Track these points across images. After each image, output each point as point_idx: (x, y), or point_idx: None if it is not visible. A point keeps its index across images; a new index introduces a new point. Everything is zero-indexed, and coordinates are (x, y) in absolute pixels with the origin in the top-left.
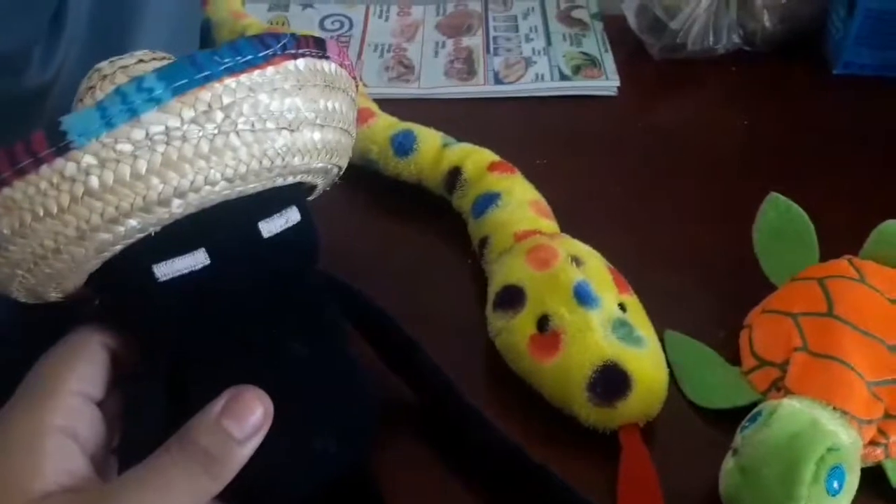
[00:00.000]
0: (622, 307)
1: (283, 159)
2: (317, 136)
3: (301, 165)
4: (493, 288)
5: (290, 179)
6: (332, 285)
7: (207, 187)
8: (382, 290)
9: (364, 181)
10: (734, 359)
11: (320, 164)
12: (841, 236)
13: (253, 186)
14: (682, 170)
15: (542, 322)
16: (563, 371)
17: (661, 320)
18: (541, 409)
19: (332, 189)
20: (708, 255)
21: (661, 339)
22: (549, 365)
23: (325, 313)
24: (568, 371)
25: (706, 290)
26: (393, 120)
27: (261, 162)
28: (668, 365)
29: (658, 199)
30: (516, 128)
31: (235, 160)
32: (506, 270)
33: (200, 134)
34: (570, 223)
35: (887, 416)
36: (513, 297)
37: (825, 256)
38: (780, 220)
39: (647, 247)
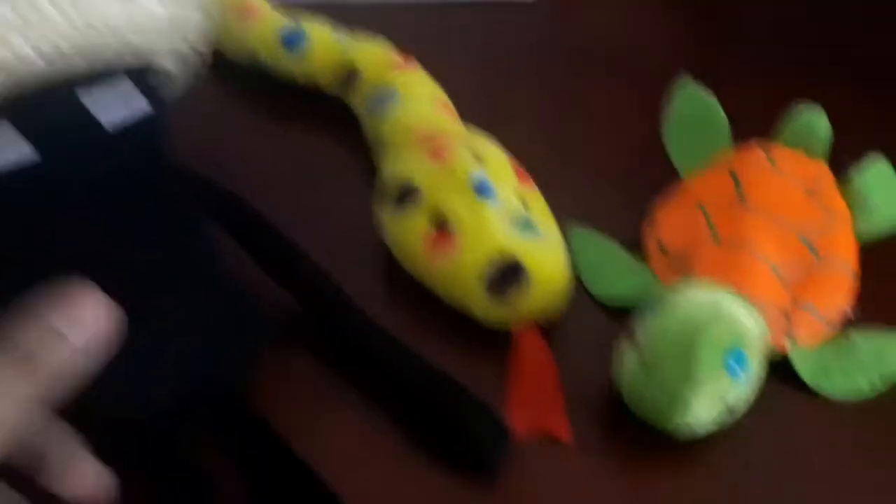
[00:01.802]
0: (523, 201)
1: (116, 35)
2: (159, 10)
3: (142, 45)
4: (386, 184)
5: (133, 63)
6: (202, 187)
7: (20, 66)
8: (268, 196)
9: (252, 81)
10: (641, 254)
11: (167, 46)
12: (754, 123)
13: (83, 67)
14: (596, 72)
15: (437, 217)
16: (458, 267)
17: (567, 217)
18: (437, 311)
19: (214, 87)
20: (620, 154)
21: (566, 236)
22: (444, 262)
23: (187, 217)
24: (463, 266)
25: (615, 187)
26: (280, 15)
27: (85, 36)
28: (573, 262)
29: (571, 100)
30: (427, 34)
31: (53, 33)
32: (399, 165)
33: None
34: (479, 124)
35: (796, 304)
36: (405, 193)
37: (737, 144)
38: (689, 106)
39: (557, 146)
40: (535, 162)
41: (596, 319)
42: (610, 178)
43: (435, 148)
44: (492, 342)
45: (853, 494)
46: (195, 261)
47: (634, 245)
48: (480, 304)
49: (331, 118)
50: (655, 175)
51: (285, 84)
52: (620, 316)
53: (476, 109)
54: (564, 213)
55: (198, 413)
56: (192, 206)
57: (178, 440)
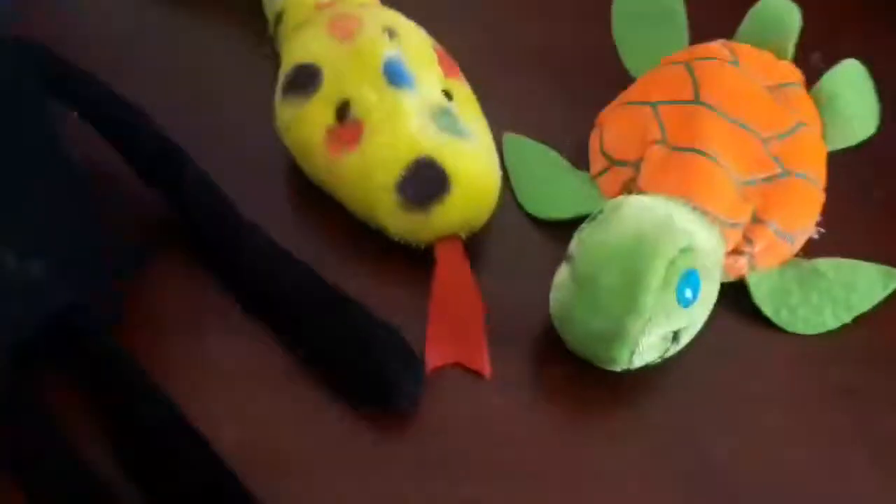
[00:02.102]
0: (447, 94)
1: None
2: None
3: None
4: (283, 69)
5: None
6: (55, 72)
7: None
8: (150, 88)
9: None
10: (584, 165)
11: None
12: (714, 19)
13: None
14: None
15: (343, 109)
16: (365, 168)
17: (503, 124)
18: (343, 223)
19: None
20: (564, 55)
21: (499, 144)
22: (349, 161)
23: (24, 103)
24: (371, 168)
25: (558, 92)
26: None
27: None
28: (505, 171)
29: None
30: None
31: None
32: (300, 45)
33: None
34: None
35: (756, 219)
36: (305, 78)
37: (695, 42)
38: None
39: (495, 43)
40: (469, 59)
41: (528, 238)
42: (553, 80)
43: (343, 26)
44: (406, 259)
45: (809, 439)
46: (43, 161)
47: (579, 156)
48: (391, 215)
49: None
50: (606, 77)
51: None
52: (557, 234)
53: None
54: (499, 116)
55: (50, 348)
56: (41, 96)
57: (25, 380)
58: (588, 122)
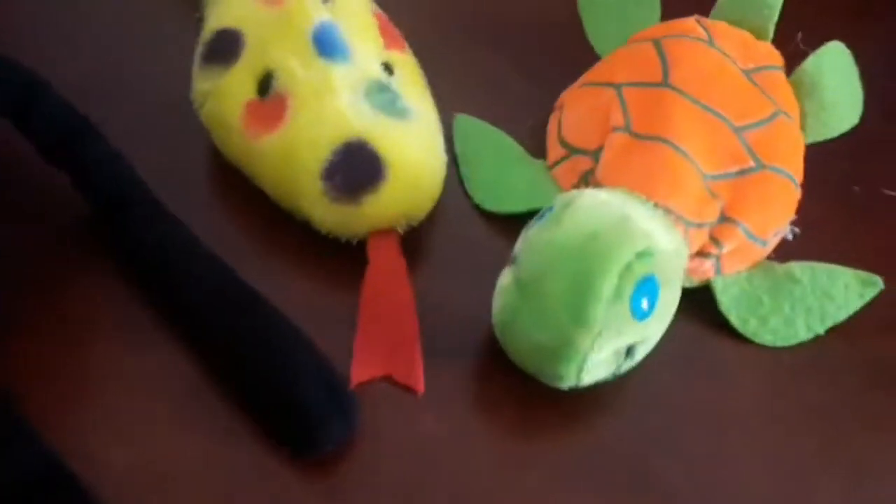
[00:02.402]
0: (387, 68)
1: None
2: None
3: None
4: (203, 35)
5: None
6: None
7: None
8: (53, 46)
9: None
10: (541, 153)
11: None
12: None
13: None
14: None
15: (265, 81)
16: (288, 151)
17: (453, 103)
18: (264, 210)
19: None
20: (524, 27)
21: (449, 127)
22: (269, 142)
23: None
24: (295, 150)
25: (516, 68)
26: None
27: None
28: (454, 159)
29: None
30: None
31: None
32: (221, 8)
33: None
34: None
35: (724, 218)
36: (225, 45)
37: (668, 18)
38: None
39: (447, 14)
40: (417, 28)
41: (476, 234)
42: (511, 55)
43: None
44: (333, 255)
45: (774, 465)
46: None
47: (536, 141)
48: (317, 204)
49: None
50: (570, 54)
51: None
52: (507, 230)
53: None
54: (449, 94)
55: None
56: None
57: None
58: (548, 104)
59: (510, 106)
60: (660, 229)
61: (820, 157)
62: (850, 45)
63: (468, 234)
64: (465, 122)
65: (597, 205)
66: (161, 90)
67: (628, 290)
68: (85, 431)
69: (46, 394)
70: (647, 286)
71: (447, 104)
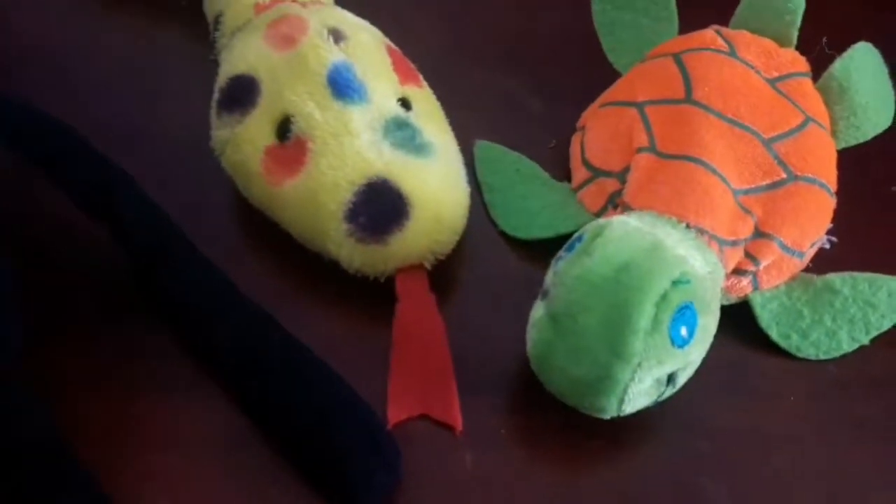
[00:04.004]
0: (404, 103)
1: None
2: None
3: None
4: (219, 82)
5: None
6: None
7: None
8: (81, 96)
9: None
10: (565, 174)
11: None
12: (707, 3)
13: None
14: None
15: (284, 125)
16: (310, 195)
17: (473, 130)
18: (293, 252)
19: None
20: (539, 47)
21: (470, 154)
22: (292, 188)
23: None
24: (317, 194)
25: (534, 88)
26: None
27: None
28: (478, 186)
29: None
30: None
31: None
32: (236, 55)
33: None
34: (363, 5)
35: (758, 233)
36: (241, 92)
37: (688, 30)
38: None
39: (462, 40)
40: (433, 52)
41: (505, 263)
42: (529, 75)
43: (283, 31)
44: (364, 294)
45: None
46: None
47: (559, 163)
48: (343, 246)
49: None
50: (589, 74)
51: None
52: (537, 256)
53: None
54: (468, 119)
55: None
56: None
57: None
58: (569, 124)
59: (530, 128)
60: (694, 252)
61: (854, 161)
62: (877, 44)
63: (496, 263)
64: (486, 149)
65: (627, 233)
66: (185, 133)
67: (666, 320)
68: (130, 484)
69: (91, 447)
70: (686, 314)
71: (466, 130)
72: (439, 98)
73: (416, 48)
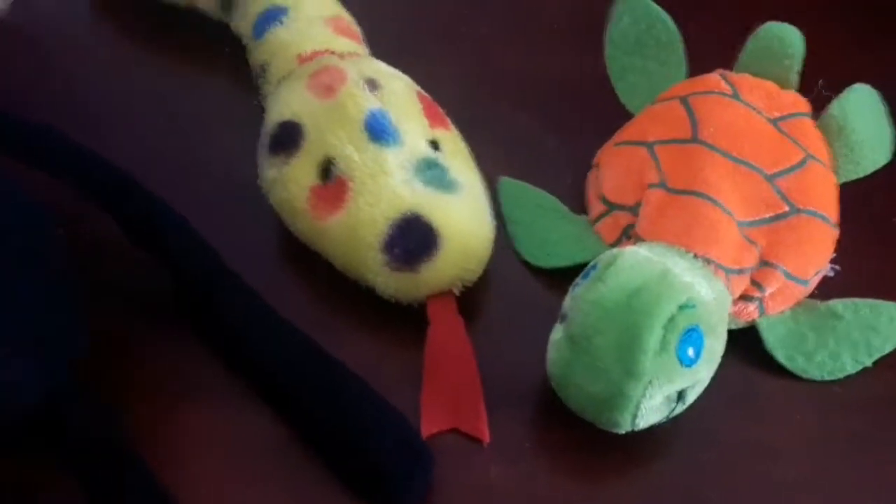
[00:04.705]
0: (434, 144)
1: None
2: None
3: None
4: (266, 127)
5: None
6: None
7: None
8: (134, 139)
9: (121, 6)
10: (581, 208)
11: None
12: (713, 49)
13: None
14: None
15: (326, 167)
16: (350, 229)
17: (496, 166)
18: (332, 280)
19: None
20: (555, 85)
21: (494, 189)
22: (334, 223)
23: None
24: (356, 229)
25: (552, 127)
26: None
27: None
28: (502, 219)
29: (504, 23)
30: None
31: None
32: (281, 102)
33: None
34: (389, 53)
35: (764, 263)
36: (287, 137)
37: (695, 74)
38: (638, 26)
39: (485, 80)
40: (456, 100)
41: (527, 289)
42: (548, 118)
43: (323, 80)
44: (399, 318)
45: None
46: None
47: (576, 199)
48: (380, 274)
49: (216, 51)
50: (602, 114)
51: (163, 9)
52: (557, 283)
53: (388, 34)
54: (491, 155)
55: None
56: None
57: None
58: (584, 161)
59: (548, 165)
60: (701, 280)
61: (857, 193)
62: (875, 84)
63: (520, 290)
64: (509, 185)
65: (638, 262)
66: (231, 170)
67: (674, 341)
68: (183, 494)
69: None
70: (692, 336)
71: (490, 167)
72: (466, 138)
73: (442, 86)
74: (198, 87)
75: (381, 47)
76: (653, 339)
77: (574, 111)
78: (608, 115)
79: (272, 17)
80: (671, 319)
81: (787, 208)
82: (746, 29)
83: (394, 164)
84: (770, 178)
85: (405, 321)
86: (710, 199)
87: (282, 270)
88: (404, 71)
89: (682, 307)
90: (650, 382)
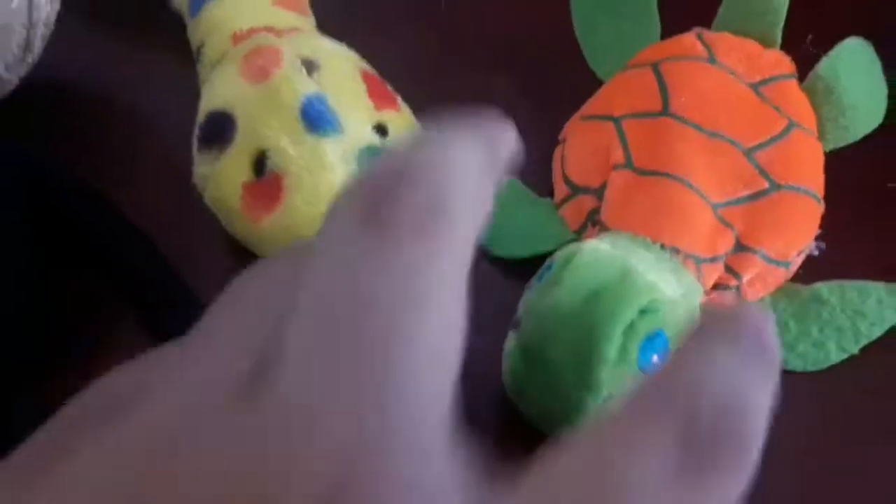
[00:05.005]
0: (381, 129)
1: None
2: None
3: None
4: (198, 118)
5: None
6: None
7: None
8: (64, 135)
9: None
10: (549, 190)
11: None
12: (690, 3)
13: None
14: None
15: (260, 161)
16: (287, 230)
17: None
18: None
19: None
20: (523, 50)
21: None
22: (269, 224)
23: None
24: (294, 229)
25: (519, 98)
26: None
27: None
28: None
29: None
30: None
31: None
32: (213, 88)
33: None
34: (335, 17)
35: (740, 247)
36: (219, 129)
37: (670, 33)
38: None
39: (445, 42)
40: (416, 58)
41: (480, 279)
42: (514, 83)
43: (256, 63)
44: None
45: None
46: None
47: (543, 177)
48: None
49: (155, 24)
50: (574, 86)
51: None
52: (516, 274)
53: (335, 9)
54: None
55: None
56: None
57: None
58: (555, 132)
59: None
60: (668, 276)
61: (846, 160)
62: (869, 37)
63: (475, 280)
64: None
65: (597, 260)
66: (173, 167)
67: (634, 350)
68: None
69: None
70: (655, 341)
71: None
72: (423, 105)
73: (397, 51)
74: (137, 68)
75: (331, 16)
76: (610, 349)
77: (551, 84)
78: (583, 79)
79: None
80: (631, 326)
81: (766, 185)
82: None
83: (333, 156)
84: (748, 152)
85: None
86: (680, 180)
87: (229, 274)
88: (359, 43)
89: (643, 311)
90: (610, 395)
